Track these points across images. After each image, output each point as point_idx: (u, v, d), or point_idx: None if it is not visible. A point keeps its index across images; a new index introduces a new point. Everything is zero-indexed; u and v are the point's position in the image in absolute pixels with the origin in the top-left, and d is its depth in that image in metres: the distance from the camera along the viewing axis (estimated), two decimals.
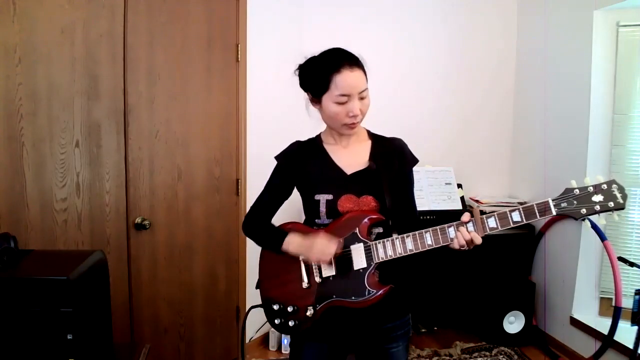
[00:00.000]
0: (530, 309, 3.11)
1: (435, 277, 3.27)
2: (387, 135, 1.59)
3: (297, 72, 1.50)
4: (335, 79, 1.38)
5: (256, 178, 2.81)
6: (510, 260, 3.20)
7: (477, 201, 3.31)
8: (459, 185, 3.31)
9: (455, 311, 3.35)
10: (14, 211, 1.90)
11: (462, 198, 3.25)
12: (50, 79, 1.96)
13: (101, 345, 1.36)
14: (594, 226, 2.71)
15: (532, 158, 3.33)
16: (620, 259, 2.44)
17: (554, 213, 1.29)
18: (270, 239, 1.51)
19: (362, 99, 1.42)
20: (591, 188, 1.29)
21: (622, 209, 1.28)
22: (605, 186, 1.28)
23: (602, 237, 2.69)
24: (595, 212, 1.29)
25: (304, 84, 1.49)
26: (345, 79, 1.38)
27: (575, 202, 1.29)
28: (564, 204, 1.30)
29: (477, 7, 3.45)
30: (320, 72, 1.41)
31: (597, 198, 1.28)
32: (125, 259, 2.26)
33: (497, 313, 3.08)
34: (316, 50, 1.49)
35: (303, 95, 1.52)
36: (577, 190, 1.29)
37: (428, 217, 3.07)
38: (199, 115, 2.52)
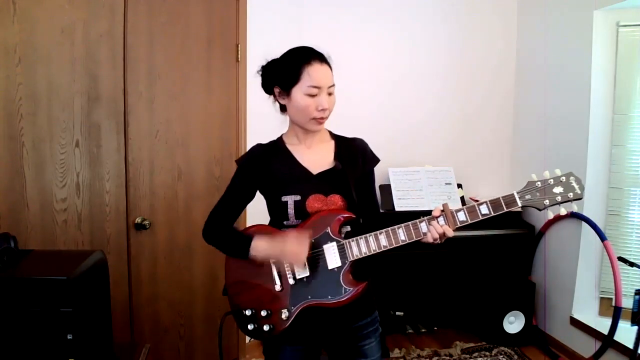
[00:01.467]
0: (530, 309, 3.11)
1: (435, 277, 3.28)
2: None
3: (259, 73, 1.51)
4: (307, 70, 1.40)
5: None
6: (510, 260, 3.20)
7: (477, 201, 3.30)
8: (459, 185, 3.31)
9: (455, 311, 3.35)
10: (14, 211, 1.90)
11: (462, 198, 3.25)
12: (50, 79, 1.96)
13: (101, 345, 1.36)
14: (594, 226, 2.72)
15: (532, 158, 3.33)
16: (620, 259, 2.44)
17: (519, 204, 1.37)
18: (235, 246, 1.47)
19: (329, 94, 1.43)
20: (551, 181, 1.37)
21: (580, 199, 1.36)
22: (564, 178, 1.37)
23: (602, 237, 2.70)
24: (557, 203, 1.36)
25: (270, 80, 1.49)
26: (316, 71, 1.40)
27: (538, 194, 1.37)
28: (528, 196, 1.38)
29: (477, 7, 3.45)
30: (291, 64, 1.43)
31: (558, 190, 1.37)
32: (125, 258, 2.26)
33: (497, 313, 3.08)
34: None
35: (267, 97, 1.52)
36: (538, 183, 1.38)
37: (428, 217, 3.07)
38: (199, 115, 2.52)
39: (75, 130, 2.04)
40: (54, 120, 1.98)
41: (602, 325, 2.70)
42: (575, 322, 2.89)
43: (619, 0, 2.61)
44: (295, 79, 1.41)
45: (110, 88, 2.14)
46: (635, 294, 2.17)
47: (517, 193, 1.37)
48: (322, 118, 1.44)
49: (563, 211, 1.37)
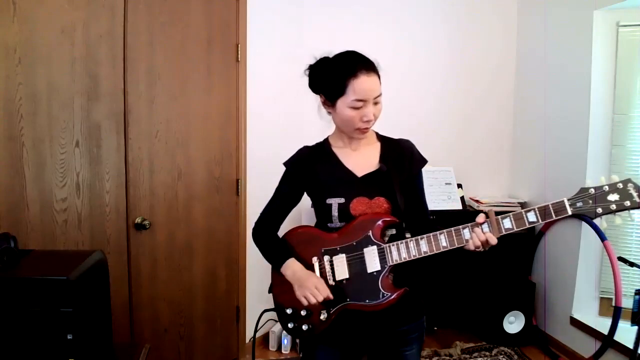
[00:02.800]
0: (530, 309, 3.11)
1: (435, 277, 3.27)
2: (395, 136, 1.59)
3: (307, 72, 1.48)
4: (352, 84, 1.36)
5: (256, 178, 2.81)
6: (510, 260, 3.20)
7: (477, 201, 3.31)
8: (459, 185, 3.31)
9: (455, 311, 3.35)
10: (14, 211, 1.90)
11: (462, 198, 3.25)
12: (50, 79, 1.95)
13: (101, 345, 1.36)
14: (594, 226, 2.71)
15: (532, 158, 3.33)
16: (620, 259, 2.44)
17: (570, 213, 1.29)
18: (274, 255, 1.51)
19: (375, 103, 1.41)
20: (607, 187, 1.28)
21: (639, 207, 1.26)
22: (621, 185, 1.28)
23: (602, 237, 2.69)
24: (612, 212, 1.28)
25: (317, 86, 1.47)
26: (362, 84, 1.36)
27: (590, 201, 1.28)
28: (579, 204, 1.29)
29: (477, 7, 3.45)
30: (336, 76, 1.39)
31: (613, 197, 1.27)
32: (125, 259, 2.25)
33: (497, 313, 3.08)
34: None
35: (313, 96, 1.50)
36: (592, 189, 1.29)
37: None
38: (199, 115, 2.52)
39: (75, 130, 2.04)
40: (54, 120, 1.98)
41: (602, 325, 2.70)
42: (575, 322, 2.89)
43: (619, 0, 2.61)
44: (340, 92, 1.39)
45: (110, 88, 2.14)
46: (635, 294, 2.17)
47: (568, 200, 1.29)
48: (366, 128, 1.43)
49: (619, 221, 1.29)
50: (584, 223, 2.79)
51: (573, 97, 2.92)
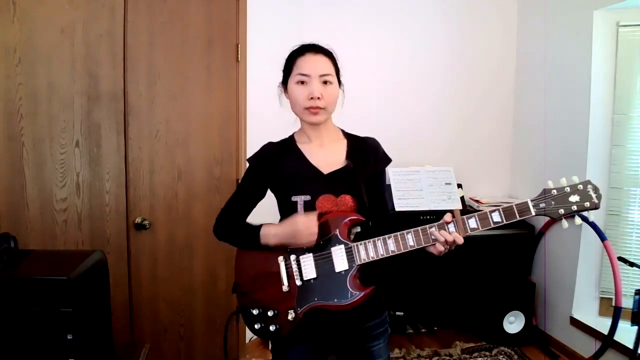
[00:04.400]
0: (530, 309, 3.11)
1: (435, 277, 3.28)
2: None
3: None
4: (297, 61, 1.44)
5: None
6: (510, 260, 3.20)
7: (477, 201, 3.31)
8: (459, 185, 3.31)
9: (455, 311, 3.35)
10: (14, 211, 1.90)
11: (462, 198, 3.25)
12: (50, 79, 1.96)
13: (101, 345, 1.36)
14: (594, 226, 2.71)
15: (532, 158, 3.33)
16: (620, 259, 2.44)
17: (533, 213, 1.33)
18: (246, 237, 1.45)
19: (325, 82, 1.42)
20: (568, 189, 1.32)
21: (597, 208, 1.31)
22: (581, 186, 1.31)
23: (602, 237, 2.69)
24: (573, 212, 1.32)
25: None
26: (306, 61, 1.43)
27: (553, 202, 1.32)
28: (542, 205, 1.33)
29: (477, 7, 3.45)
30: (287, 59, 1.48)
31: (574, 198, 1.31)
32: (125, 258, 2.26)
33: (497, 313, 3.08)
34: None
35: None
36: (554, 190, 1.32)
37: (428, 217, 3.07)
38: (199, 115, 2.52)
39: (75, 130, 2.04)
40: (54, 120, 1.98)
41: (602, 325, 2.70)
42: (575, 322, 2.89)
43: (619, 0, 2.61)
44: (288, 71, 1.46)
45: (110, 88, 2.14)
46: (635, 294, 2.17)
47: (532, 201, 1.33)
48: (314, 107, 1.42)
49: (578, 221, 1.34)
50: (584, 223, 2.79)
51: (573, 97, 2.92)
